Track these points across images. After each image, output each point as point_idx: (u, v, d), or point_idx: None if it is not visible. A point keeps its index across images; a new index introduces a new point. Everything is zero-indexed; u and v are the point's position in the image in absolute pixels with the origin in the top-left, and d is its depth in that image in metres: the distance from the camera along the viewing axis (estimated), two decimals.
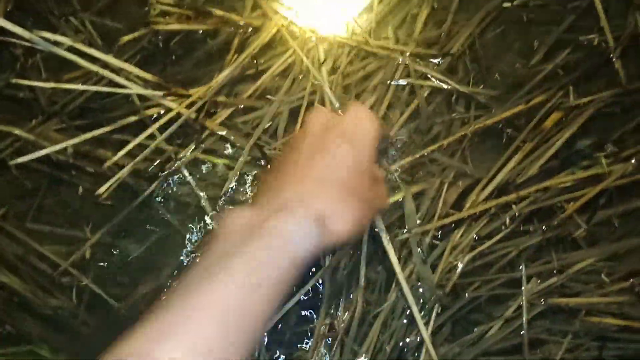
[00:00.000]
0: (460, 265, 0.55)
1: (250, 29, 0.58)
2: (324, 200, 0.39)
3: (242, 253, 0.35)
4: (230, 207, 0.55)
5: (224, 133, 0.56)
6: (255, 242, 0.35)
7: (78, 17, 0.59)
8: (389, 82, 0.58)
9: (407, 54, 0.59)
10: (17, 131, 0.55)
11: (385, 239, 0.54)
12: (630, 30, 0.58)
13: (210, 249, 0.37)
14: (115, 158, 0.55)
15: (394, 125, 0.58)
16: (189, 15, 0.54)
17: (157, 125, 0.55)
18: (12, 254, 0.55)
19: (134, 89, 0.54)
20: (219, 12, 0.54)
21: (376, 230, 0.54)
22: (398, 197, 0.56)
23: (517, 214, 0.56)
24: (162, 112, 0.56)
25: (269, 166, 0.56)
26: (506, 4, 0.60)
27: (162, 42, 0.58)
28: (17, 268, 0.55)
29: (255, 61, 0.58)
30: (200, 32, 0.56)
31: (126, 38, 0.54)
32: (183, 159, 0.56)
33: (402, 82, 0.59)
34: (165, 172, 0.56)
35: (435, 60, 0.59)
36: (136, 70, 0.55)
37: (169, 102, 0.55)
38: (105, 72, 0.54)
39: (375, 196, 0.45)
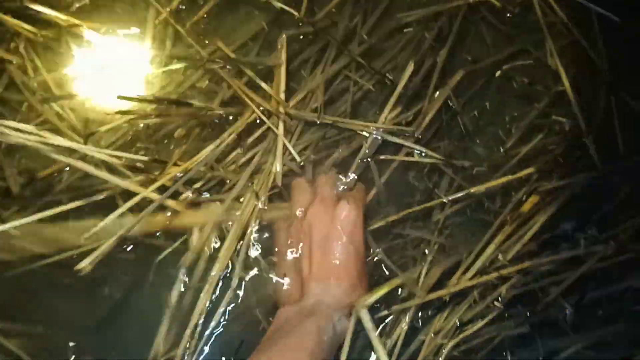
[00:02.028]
0: (444, 352, 0.54)
1: (230, 116, 0.59)
2: (342, 288, 0.51)
3: (299, 328, 0.47)
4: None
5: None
6: (308, 322, 0.48)
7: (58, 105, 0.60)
8: (364, 159, 0.59)
9: (381, 130, 0.60)
10: None
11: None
12: (601, 116, 0.59)
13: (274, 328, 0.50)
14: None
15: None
16: (168, 106, 0.55)
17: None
18: None
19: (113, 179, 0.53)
20: (197, 103, 0.55)
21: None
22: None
23: (500, 297, 0.55)
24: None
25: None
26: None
27: (141, 129, 0.58)
28: None
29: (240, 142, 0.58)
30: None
31: (103, 128, 0.54)
32: None
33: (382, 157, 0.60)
34: None
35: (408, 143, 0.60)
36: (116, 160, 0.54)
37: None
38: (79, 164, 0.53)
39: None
